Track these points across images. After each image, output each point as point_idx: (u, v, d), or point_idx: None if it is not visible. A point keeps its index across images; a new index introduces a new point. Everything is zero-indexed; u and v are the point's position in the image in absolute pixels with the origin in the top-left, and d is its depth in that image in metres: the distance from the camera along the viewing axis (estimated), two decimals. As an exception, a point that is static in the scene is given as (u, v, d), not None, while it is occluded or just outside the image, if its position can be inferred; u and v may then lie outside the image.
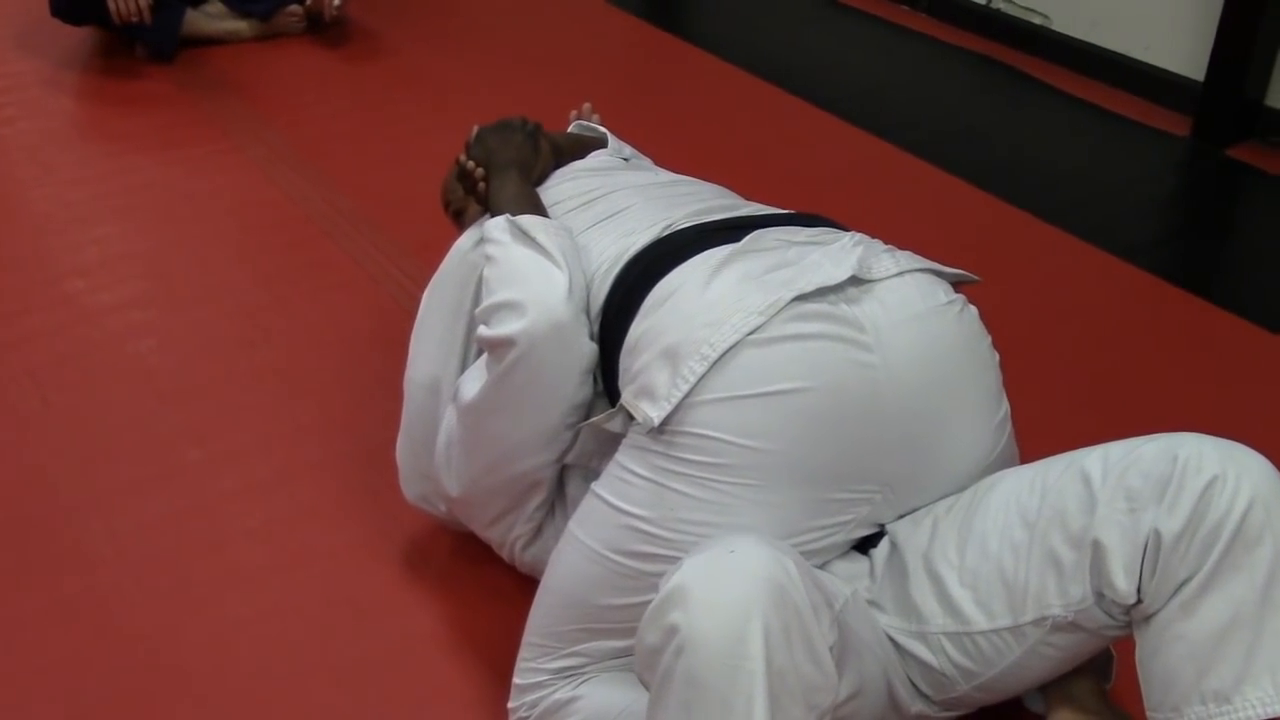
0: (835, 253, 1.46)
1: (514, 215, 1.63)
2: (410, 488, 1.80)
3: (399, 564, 1.85)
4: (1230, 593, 1.23)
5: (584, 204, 1.73)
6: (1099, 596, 1.30)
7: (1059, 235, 2.79)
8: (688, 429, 1.35)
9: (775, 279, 1.41)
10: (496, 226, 1.63)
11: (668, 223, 1.59)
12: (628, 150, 2.06)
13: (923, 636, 1.41)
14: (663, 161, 2.07)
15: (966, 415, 1.46)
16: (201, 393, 2.22)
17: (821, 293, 1.39)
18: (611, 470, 1.45)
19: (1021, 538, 1.35)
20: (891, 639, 1.42)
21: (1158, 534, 1.25)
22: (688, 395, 1.35)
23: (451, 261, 1.75)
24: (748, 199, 1.78)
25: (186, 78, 3.52)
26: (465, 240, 1.75)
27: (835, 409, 1.37)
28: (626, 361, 1.47)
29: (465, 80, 3.58)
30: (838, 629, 1.23)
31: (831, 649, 1.19)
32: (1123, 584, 1.28)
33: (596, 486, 1.46)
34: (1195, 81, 3.28)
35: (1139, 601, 1.28)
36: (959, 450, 1.46)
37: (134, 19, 3.40)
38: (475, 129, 1.88)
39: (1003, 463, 1.50)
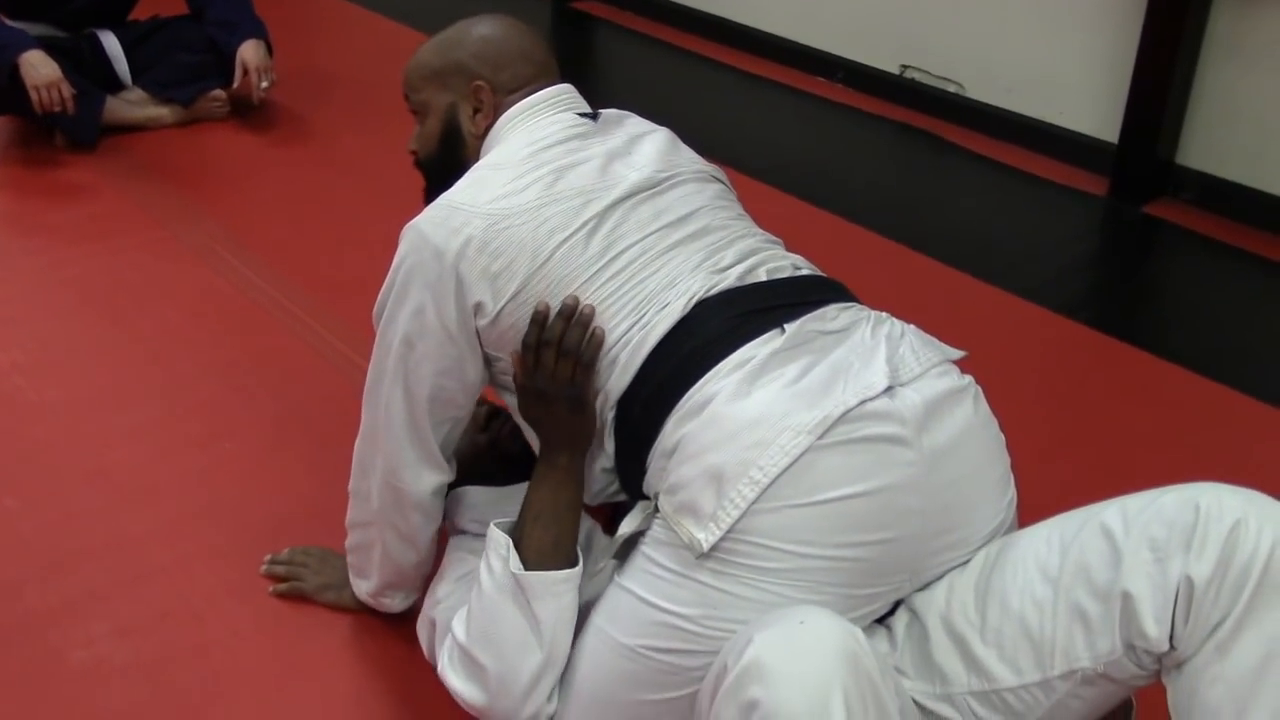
0: (863, 352, 1.47)
1: (526, 557, 1.49)
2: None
3: (393, 660, 1.82)
4: (1264, 630, 1.26)
5: (581, 238, 1.54)
6: (1129, 648, 1.33)
7: (1000, 294, 2.87)
8: (736, 536, 1.36)
9: (815, 386, 1.41)
10: (498, 556, 1.50)
11: (689, 295, 1.51)
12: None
13: (949, 699, 1.42)
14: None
15: (989, 497, 1.50)
16: (168, 490, 2.16)
17: (865, 402, 1.41)
18: (641, 565, 1.43)
19: (1045, 594, 1.38)
20: (917, 704, 1.44)
21: (1189, 580, 1.28)
22: (740, 519, 1.35)
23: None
24: (740, 215, 1.72)
25: (110, 165, 3.46)
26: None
27: (882, 510, 1.39)
28: (660, 463, 1.45)
29: (392, 160, 3.55)
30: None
31: (901, 712, 1.21)
32: (1154, 632, 1.31)
33: (624, 581, 1.45)
34: (1109, 143, 3.41)
35: (1172, 649, 1.31)
36: (980, 530, 1.49)
37: (56, 109, 3.33)
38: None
39: (1006, 533, 1.54)
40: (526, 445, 1.67)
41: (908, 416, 1.42)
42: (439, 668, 1.57)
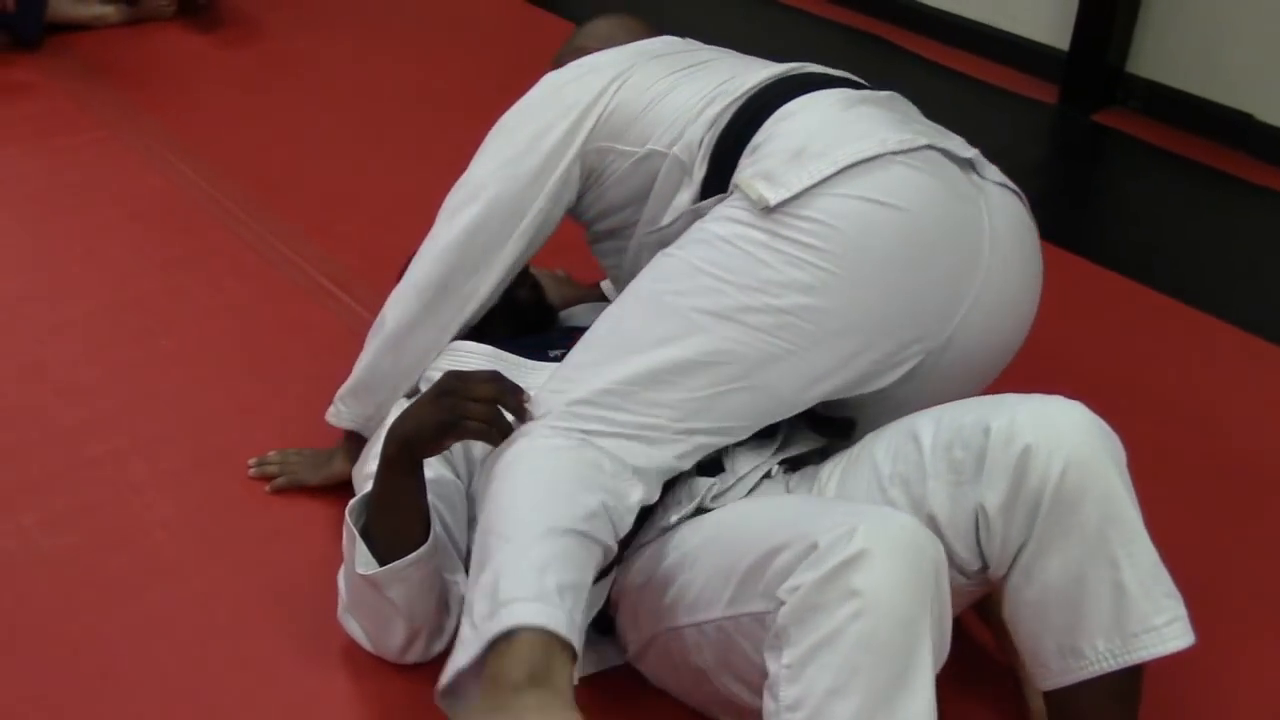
0: (950, 136, 1.56)
1: (376, 545, 1.53)
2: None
3: (320, 547, 1.84)
4: (1064, 556, 1.32)
5: (654, 63, 1.75)
6: (951, 564, 1.36)
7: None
8: (803, 211, 1.42)
9: (910, 128, 1.51)
10: (351, 550, 1.55)
11: (785, 69, 1.67)
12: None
13: None
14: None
15: (1016, 337, 1.59)
16: (102, 385, 2.17)
17: (951, 156, 1.48)
18: (695, 235, 1.50)
19: (877, 500, 1.44)
20: None
21: (982, 508, 1.33)
22: (811, 187, 1.42)
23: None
24: None
25: (54, 65, 3.41)
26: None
27: (941, 247, 1.47)
28: (747, 160, 1.53)
29: (341, 62, 3.54)
30: None
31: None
32: (963, 554, 1.37)
33: (672, 249, 1.51)
34: (1060, 50, 3.41)
35: (985, 567, 1.37)
36: (991, 362, 1.58)
37: (-4, 6, 3.28)
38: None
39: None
40: (539, 296, 1.93)
41: (990, 195, 1.51)
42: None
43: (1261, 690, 1.67)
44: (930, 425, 1.41)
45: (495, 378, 1.47)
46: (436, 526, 1.57)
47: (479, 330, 1.86)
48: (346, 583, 1.61)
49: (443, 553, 1.64)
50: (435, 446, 1.50)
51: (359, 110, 3.20)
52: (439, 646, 1.63)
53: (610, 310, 1.56)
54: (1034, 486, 1.31)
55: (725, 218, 1.49)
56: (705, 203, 1.57)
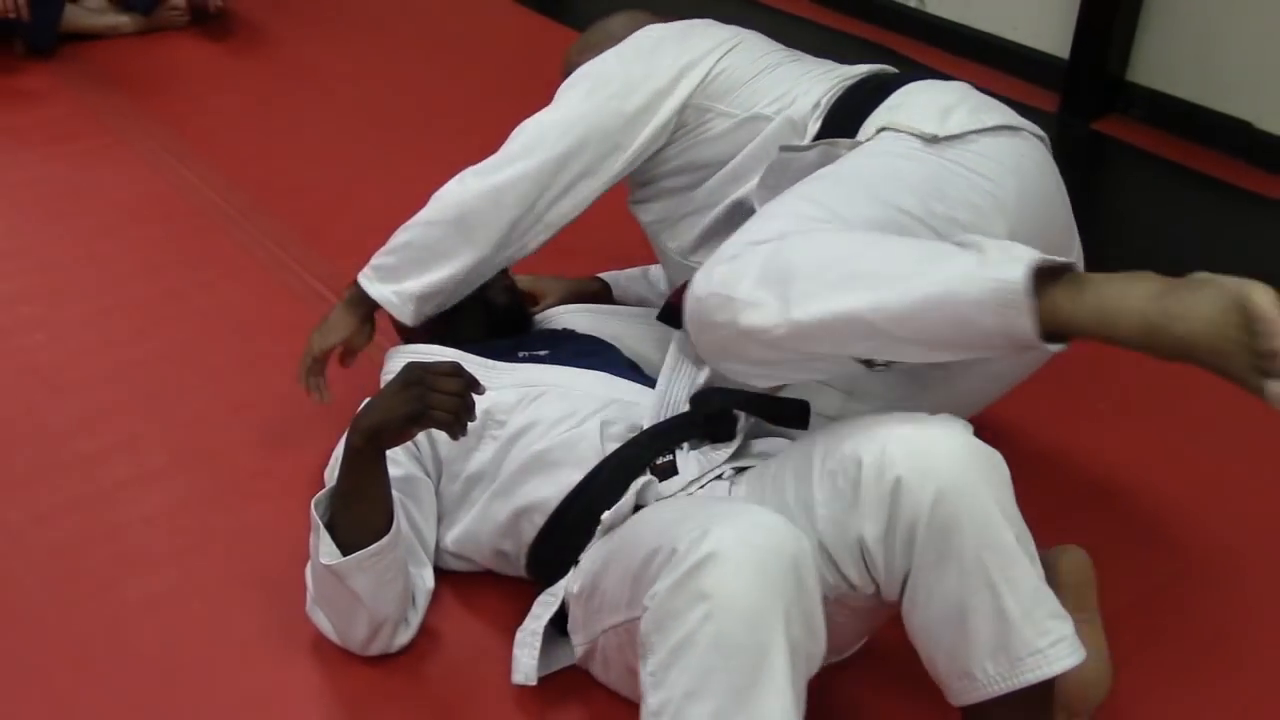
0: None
1: (339, 535, 1.55)
2: None
3: (299, 542, 1.86)
4: (945, 585, 1.32)
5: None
6: (848, 585, 1.39)
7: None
8: (961, 145, 1.56)
9: (1020, 120, 1.69)
10: (315, 540, 1.57)
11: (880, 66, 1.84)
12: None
13: None
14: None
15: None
16: (93, 384, 2.22)
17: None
18: (867, 152, 1.59)
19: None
20: None
21: (862, 538, 1.34)
22: (969, 132, 1.56)
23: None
24: None
25: (67, 72, 3.49)
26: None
27: (1059, 216, 1.68)
28: (884, 115, 1.65)
29: (351, 70, 3.59)
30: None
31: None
32: (855, 578, 1.38)
33: (855, 158, 1.60)
34: (1061, 59, 3.41)
35: (877, 590, 1.38)
36: None
37: (10, 15, 3.35)
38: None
39: None
40: (514, 300, 1.97)
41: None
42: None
43: None
44: (821, 448, 1.42)
45: (459, 370, 1.50)
46: (400, 518, 1.60)
47: (452, 331, 1.89)
48: (312, 575, 1.64)
49: (407, 547, 1.67)
50: (401, 436, 1.53)
51: (364, 117, 3.25)
52: (403, 639, 1.66)
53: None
54: (908, 518, 1.31)
55: (887, 150, 1.58)
56: (841, 141, 1.64)
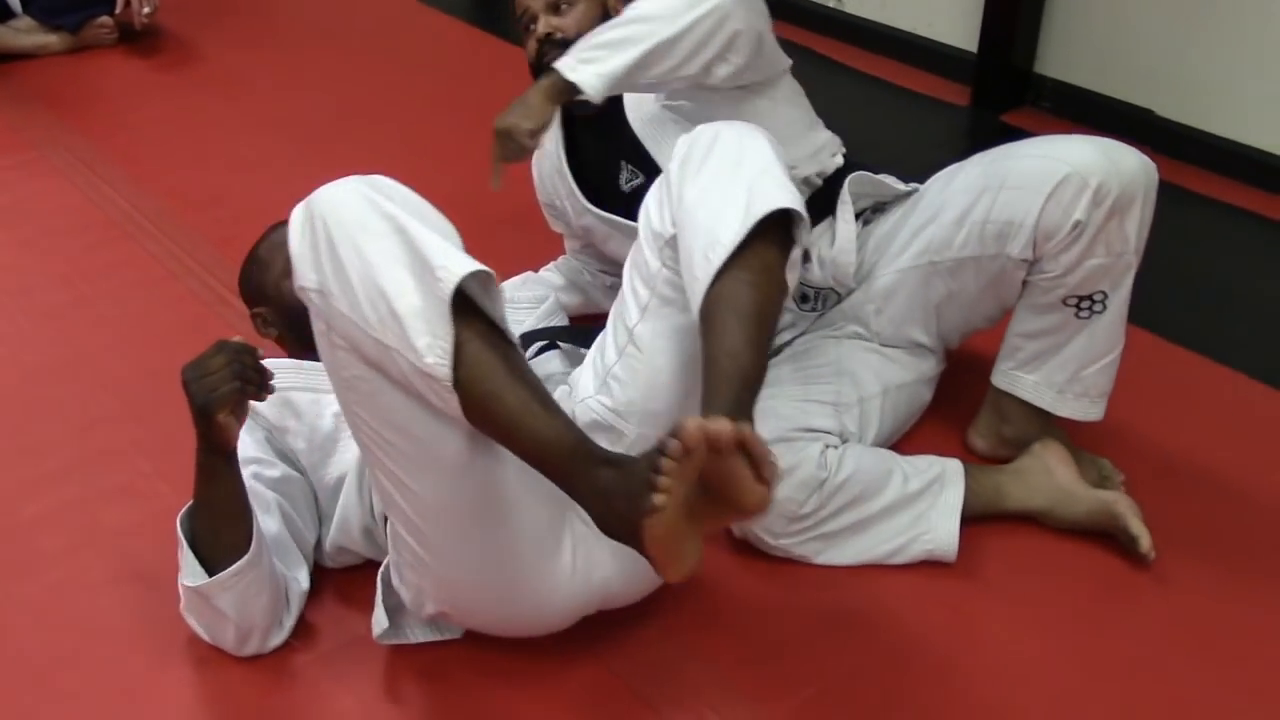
0: None
1: (201, 550, 1.61)
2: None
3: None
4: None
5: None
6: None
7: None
8: None
9: None
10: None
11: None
12: None
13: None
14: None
15: None
16: (-3, 389, 2.26)
17: None
18: None
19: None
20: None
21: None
22: None
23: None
24: None
25: (-6, 92, 3.52)
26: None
27: None
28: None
29: (277, 84, 3.63)
30: None
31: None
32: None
33: None
34: (972, 54, 3.47)
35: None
36: None
37: (-64, 36, 3.39)
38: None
39: None
40: None
41: None
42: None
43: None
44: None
45: (220, 346, 1.57)
46: (272, 524, 1.67)
47: (301, 342, 1.92)
48: (180, 588, 1.67)
49: (281, 549, 1.71)
50: (217, 432, 1.57)
51: (286, 129, 3.28)
52: (276, 641, 1.70)
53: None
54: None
55: None
56: None
